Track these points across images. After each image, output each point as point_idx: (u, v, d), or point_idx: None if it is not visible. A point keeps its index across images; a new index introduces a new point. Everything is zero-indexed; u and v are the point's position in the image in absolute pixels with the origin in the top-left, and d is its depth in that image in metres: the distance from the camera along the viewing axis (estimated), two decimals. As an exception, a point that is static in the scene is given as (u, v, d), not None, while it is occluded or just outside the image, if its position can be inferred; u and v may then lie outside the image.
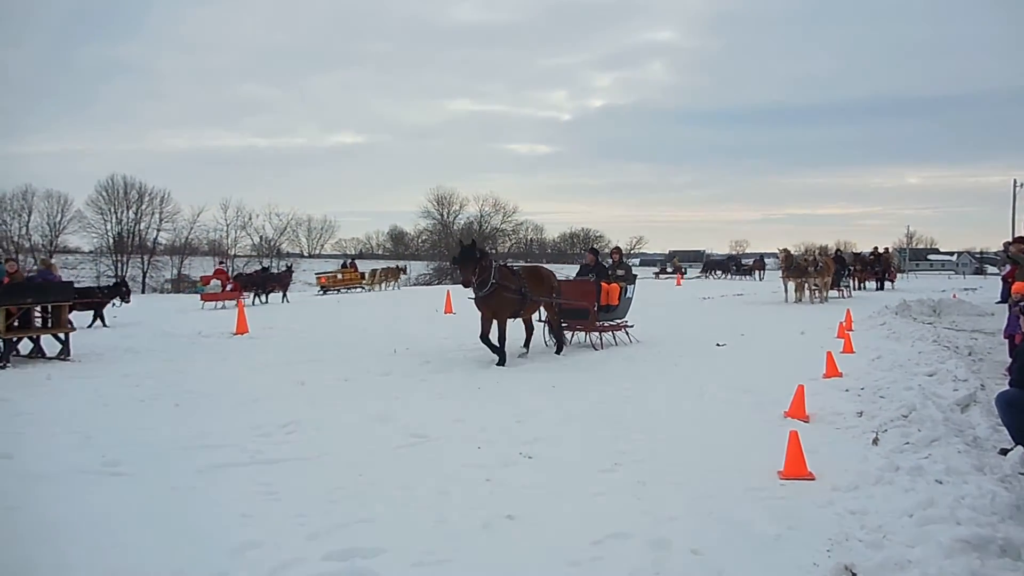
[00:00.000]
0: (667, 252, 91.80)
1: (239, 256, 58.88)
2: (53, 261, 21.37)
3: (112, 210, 58.65)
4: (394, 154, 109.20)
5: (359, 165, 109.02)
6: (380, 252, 75.12)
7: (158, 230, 60.29)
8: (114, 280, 23.93)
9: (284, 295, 28.47)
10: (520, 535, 4.57)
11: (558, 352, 12.17)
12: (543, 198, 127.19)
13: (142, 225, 59.37)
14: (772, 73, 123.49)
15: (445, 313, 19.55)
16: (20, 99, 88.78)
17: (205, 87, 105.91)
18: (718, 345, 12.78)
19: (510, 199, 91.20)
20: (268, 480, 5.64)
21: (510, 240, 74.41)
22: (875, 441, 6.37)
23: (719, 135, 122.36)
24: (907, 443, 6.10)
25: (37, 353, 12.46)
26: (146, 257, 58.14)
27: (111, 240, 58.61)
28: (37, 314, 12.67)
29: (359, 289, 35.82)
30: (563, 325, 12.74)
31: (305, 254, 74.32)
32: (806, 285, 22.07)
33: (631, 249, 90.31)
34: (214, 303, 24.73)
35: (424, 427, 7.21)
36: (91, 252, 59.54)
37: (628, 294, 13.73)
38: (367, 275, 37.48)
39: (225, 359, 12.18)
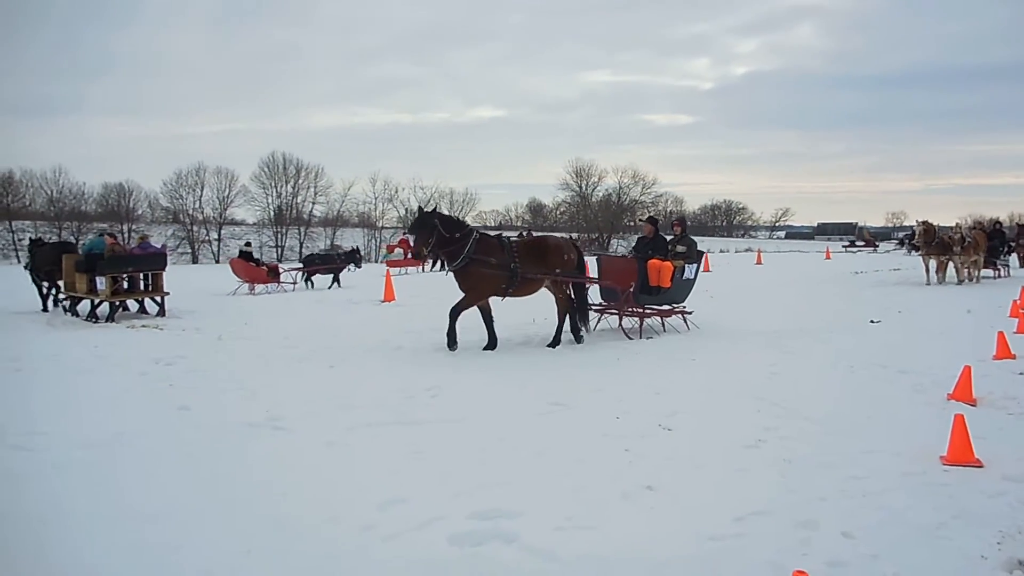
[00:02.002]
0: (815, 224, 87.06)
1: (386, 228, 61.13)
2: (149, 234, 24.28)
3: (272, 184, 62.49)
4: (532, 126, 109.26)
5: (498, 138, 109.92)
6: (519, 224, 75.98)
7: (313, 203, 63.66)
8: (350, 248, 26.72)
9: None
10: (660, 507, 4.54)
11: (577, 340, 10.49)
12: (683, 169, 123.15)
13: (299, 199, 62.95)
14: (936, 31, 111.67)
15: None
16: (191, 83, 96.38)
17: (353, 65, 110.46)
18: (872, 322, 12.04)
19: (649, 170, 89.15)
20: (413, 440, 5.91)
21: (649, 212, 72.94)
22: (1055, 429, 5.81)
23: (874, 100, 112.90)
24: (1095, 433, 5.54)
25: (141, 313, 14.61)
26: (303, 228, 61.61)
27: (272, 213, 62.57)
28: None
29: None
30: (596, 308, 11.54)
31: (447, 226, 76.35)
32: (950, 263, 18.96)
33: (776, 221, 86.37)
34: (398, 269, 26.50)
35: (563, 396, 7.28)
36: (255, 224, 63.79)
37: (687, 274, 11.65)
38: None
39: (374, 325, 12.81)
